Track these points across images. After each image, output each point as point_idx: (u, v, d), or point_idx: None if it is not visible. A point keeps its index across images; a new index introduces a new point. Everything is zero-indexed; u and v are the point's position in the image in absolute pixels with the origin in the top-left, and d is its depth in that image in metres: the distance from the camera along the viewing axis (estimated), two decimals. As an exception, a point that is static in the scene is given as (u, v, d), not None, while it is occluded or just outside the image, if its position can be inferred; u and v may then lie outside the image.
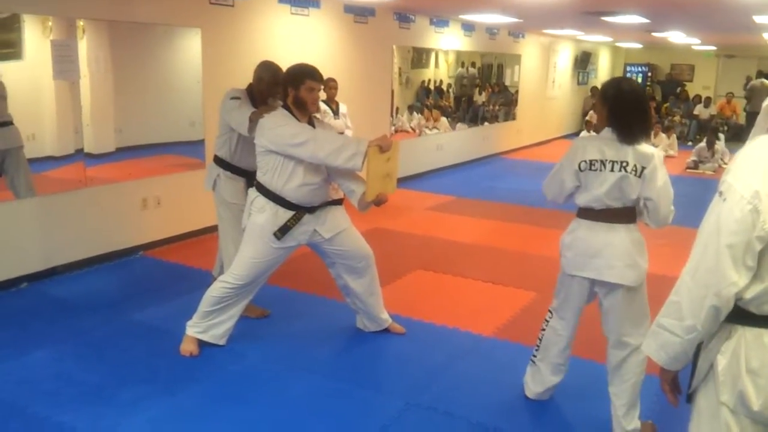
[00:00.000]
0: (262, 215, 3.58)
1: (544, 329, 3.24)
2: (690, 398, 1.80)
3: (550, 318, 3.22)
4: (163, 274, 5.25)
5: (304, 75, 3.55)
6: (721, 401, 1.67)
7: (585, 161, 2.87)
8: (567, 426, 3.22)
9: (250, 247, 3.65)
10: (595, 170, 2.85)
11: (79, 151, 5.15)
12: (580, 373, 3.61)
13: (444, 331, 4.21)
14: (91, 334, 4.02)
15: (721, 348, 1.67)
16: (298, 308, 4.52)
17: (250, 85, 4.06)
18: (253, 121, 3.69)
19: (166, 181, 5.89)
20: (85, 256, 5.24)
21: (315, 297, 4.70)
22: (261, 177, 3.61)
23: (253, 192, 3.68)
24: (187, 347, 3.75)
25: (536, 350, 3.28)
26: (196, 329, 3.75)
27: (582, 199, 2.94)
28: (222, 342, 3.80)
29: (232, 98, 3.99)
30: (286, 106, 3.60)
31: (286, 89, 3.58)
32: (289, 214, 3.58)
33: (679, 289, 1.69)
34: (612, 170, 2.82)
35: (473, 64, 11.46)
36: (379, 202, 3.60)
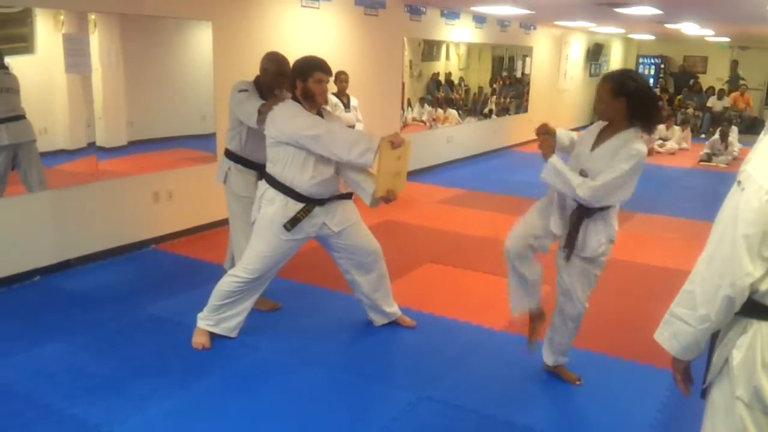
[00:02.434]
0: (272, 207, 3.58)
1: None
2: (704, 393, 1.79)
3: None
4: (175, 267, 5.27)
5: (312, 67, 3.54)
6: (736, 396, 1.65)
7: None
8: (579, 419, 3.20)
9: (260, 240, 3.65)
10: None
11: (92, 145, 5.17)
12: (592, 367, 3.60)
13: (455, 324, 4.21)
14: (104, 327, 4.04)
15: (736, 342, 1.65)
16: (309, 301, 4.53)
17: (258, 77, 4.07)
18: (263, 114, 3.69)
19: (178, 175, 5.90)
20: (98, 249, 5.27)
21: (326, 290, 4.70)
22: (271, 168, 3.60)
23: (263, 184, 3.67)
24: (199, 340, 3.76)
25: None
26: (207, 322, 3.77)
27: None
28: (234, 335, 3.81)
29: (240, 91, 3.98)
30: (294, 99, 3.60)
31: (294, 82, 3.57)
32: (300, 205, 3.58)
33: (693, 278, 1.68)
34: None
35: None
36: (388, 199, 3.59)
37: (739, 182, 1.61)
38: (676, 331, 1.73)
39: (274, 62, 4.03)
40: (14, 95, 4.66)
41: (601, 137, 3.04)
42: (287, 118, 3.49)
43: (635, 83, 2.92)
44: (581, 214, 3.06)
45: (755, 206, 1.55)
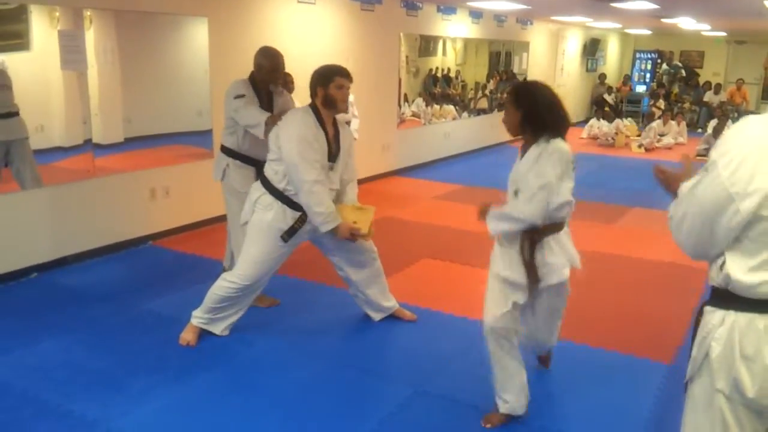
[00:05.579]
0: (270, 213, 3.58)
1: None
2: (687, 388, 1.80)
3: None
4: (173, 263, 5.27)
5: (333, 72, 3.54)
6: (716, 389, 1.66)
7: (572, 162, 2.84)
8: (575, 412, 3.21)
9: (256, 245, 3.64)
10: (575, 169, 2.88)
11: (88, 142, 5.16)
12: (589, 361, 3.62)
13: (452, 319, 4.22)
14: (101, 324, 4.04)
15: (714, 335, 1.66)
16: (307, 298, 4.53)
17: (252, 74, 4.06)
18: (269, 125, 3.70)
19: (175, 171, 5.90)
20: (95, 246, 5.27)
21: (324, 286, 4.71)
22: (272, 177, 3.59)
23: (257, 189, 3.66)
24: (187, 336, 3.76)
25: None
26: (200, 320, 3.77)
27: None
28: (224, 333, 3.81)
29: (236, 97, 3.95)
30: (313, 106, 3.58)
31: (315, 89, 3.55)
32: (297, 214, 3.60)
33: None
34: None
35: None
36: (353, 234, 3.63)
37: (706, 169, 1.61)
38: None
39: (268, 58, 4.02)
40: (7, 92, 4.63)
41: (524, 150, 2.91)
42: (289, 144, 3.45)
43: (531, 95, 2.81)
44: (531, 238, 2.84)
45: (719, 196, 1.57)
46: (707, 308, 1.71)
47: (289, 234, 3.60)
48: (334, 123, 3.64)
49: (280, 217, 3.58)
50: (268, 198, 3.59)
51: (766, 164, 1.51)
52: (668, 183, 1.89)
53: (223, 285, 3.70)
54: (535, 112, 2.77)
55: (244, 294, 3.74)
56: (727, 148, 1.58)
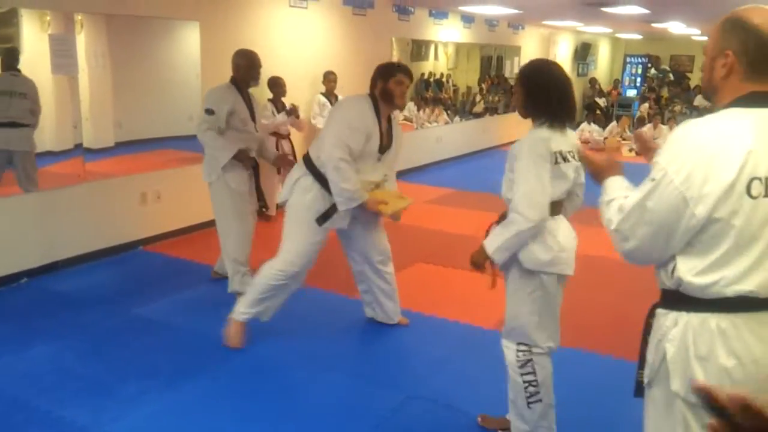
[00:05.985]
0: (309, 195, 3.61)
1: (533, 371, 2.81)
2: (638, 391, 1.80)
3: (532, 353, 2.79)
4: (163, 268, 5.24)
5: (396, 69, 3.66)
6: (672, 390, 1.65)
7: (556, 153, 2.53)
8: (569, 417, 3.21)
9: (299, 231, 3.65)
10: (566, 161, 2.59)
11: (78, 146, 5.14)
12: (580, 365, 3.62)
13: (444, 323, 4.22)
14: (92, 329, 4.02)
15: (668, 336, 1.66)
16: (299, 303, 4.50)
17: (233, 77, 4.24)
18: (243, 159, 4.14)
19: (166, 176, 5.88)
20: (85, 250, 5.24)
21: (317, 291, 4.69)
22: (317, 160, 3.61)
23: (299, 169, 3.68)
24: (234, 336, 3.72)
25: (534, 395, 2.84)
26: (247, 315, 3.74)
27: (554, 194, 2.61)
28: (269, 320, 3.82)
29: (206, 111, 4.15)
30: (372, 96, 3.66)
31: (376, 82, 3.65)
32: (332, 199, 3.60)
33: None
34: (571, 160, 2.60)
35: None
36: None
37: (653, 178, 1.60)
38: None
39: (243, 57, 4.24)
40: (20, 100, 4.61)
41: None
42: (337, 120, 3.58)
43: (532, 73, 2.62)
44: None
45: (670, 202, 1.57)
46: (659, 311, 1.71)
47: (323, 218, 3.61)
48: (389, 118, 3.73)
49: (319, 199, 3.60)
50: (308, 180, 3.61)
51: (716, 167, 1.52)
52: (597, 171, 1.98)
53: (271, 274, 3.67)
54: (534, 93, 2.58)
55: (293, 280, 3.73)
56: (675, 154, 1.58)
